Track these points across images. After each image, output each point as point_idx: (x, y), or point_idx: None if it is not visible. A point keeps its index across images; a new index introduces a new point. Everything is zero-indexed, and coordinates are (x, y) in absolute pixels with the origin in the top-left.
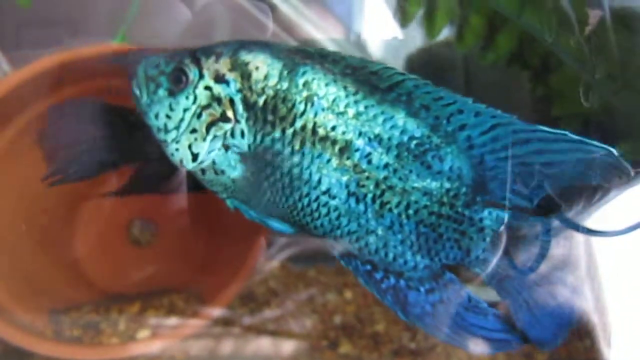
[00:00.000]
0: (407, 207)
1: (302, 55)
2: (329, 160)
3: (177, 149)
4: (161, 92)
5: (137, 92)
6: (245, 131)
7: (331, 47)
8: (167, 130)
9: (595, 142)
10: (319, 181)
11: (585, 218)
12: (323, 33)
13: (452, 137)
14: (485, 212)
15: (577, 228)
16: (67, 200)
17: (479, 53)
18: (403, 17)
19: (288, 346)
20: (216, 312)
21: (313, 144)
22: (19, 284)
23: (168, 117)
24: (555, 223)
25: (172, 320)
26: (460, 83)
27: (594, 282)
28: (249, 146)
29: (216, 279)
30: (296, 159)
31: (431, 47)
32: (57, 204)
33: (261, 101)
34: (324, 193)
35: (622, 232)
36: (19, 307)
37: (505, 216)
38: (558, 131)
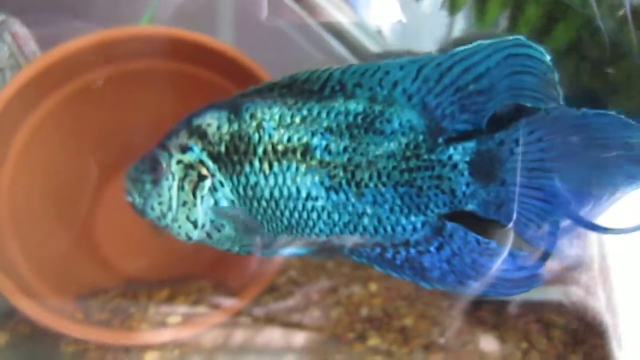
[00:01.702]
0: (379, 175)
1: (240, 96)
2: (297, 168)
3: (179, 226)
4: (147, 187)
5: (131, 200)
6: (222, 180)
7: (355, 31)
8: (164, 215)
9: (506, 37)
10: (298, 190)
11: (596, 216)
12: (347, 17)
13: (390, 97)
14: (451, 149)
15: (588, 226)
16: (92, 184)
17: None
18: (452, 5)
19: (314, 337)
20: (245, 301)
21: (278, 161)
22: (46, 267)
23: (160, 203)
24: (564, 223)
25: (202, 308)
26: None
27: (606, 283)
28: (231, 191)
29: (244, 267)
30: (271, 180)
31: (467, 37)
32: (82, 188)
33: (222, 148)
34: (306, 199)
35: (632, 229)
36: (48, 290)
37: (472, 144)
38: (473, 45)
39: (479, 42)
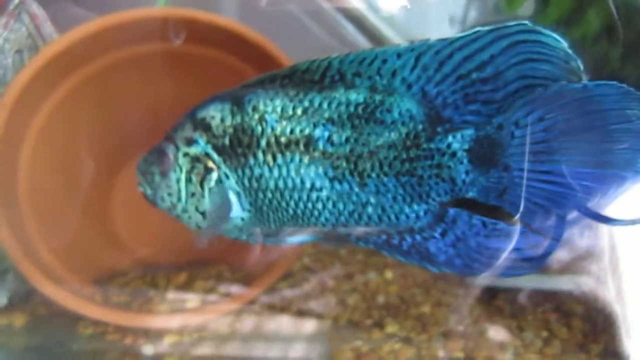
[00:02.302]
0: (381, 165)
1: (243, 88)
2: (300, 160)
3: (189, 217)
4: (157, 179)
5: (143, 190)
6: (228, 172)
7: (371, 17)
8: (174, 206)
9: (510, 22)
10: (302, 181)
11: (603, 207)
12: (364, 2)
13: (390, 86)
14: (450, 138)
15: (596, 217)
16: (110, 166)
17: (564, 28)
18: None
19: (331, 324)
20: (263, 287)
21: (282, 153)
22: (64, 248)
23: (170, 194)
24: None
25: (220, 293)
26: None
27: (616, 273)
28: (237, 183)
29: (262, 253)
30: (275, 172)
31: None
32: (100, 170)
33: (227, 141)
34: (311, 190)
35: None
36: (66, 272)
37: (471, 132)
38: (471, 31)
39: (477, 28)
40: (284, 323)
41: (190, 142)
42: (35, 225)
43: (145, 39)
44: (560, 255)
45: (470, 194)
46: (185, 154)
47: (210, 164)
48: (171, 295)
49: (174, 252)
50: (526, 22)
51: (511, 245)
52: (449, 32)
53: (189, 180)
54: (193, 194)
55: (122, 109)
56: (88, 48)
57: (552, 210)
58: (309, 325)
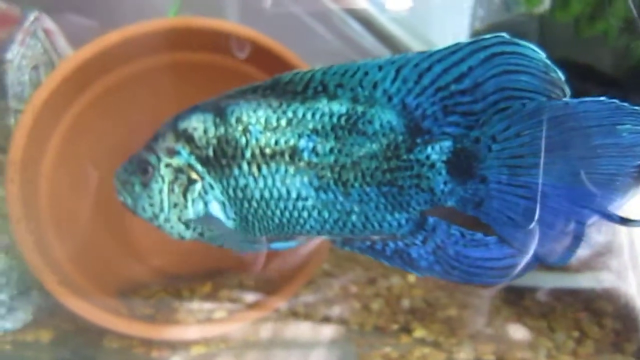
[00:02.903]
0: (363, 176)
1: (225, 98)
2: (286, 170)
3: (171, 227)
4: (137, 188)
5: (123, 199)
6: (212, 182)
7: (381, 17)
8: (156, 216)
9: (488, 35)
10: (288, 191)
11: (619, 208)
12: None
13: (371, 98)
14: (429, 149)
15: (612, 218)
16: None
17: (586, 22)
18: None
19: (357, 329)
20: (288, 294)
21: (267, 164)
22: (87, 262)
23: (151, 205)
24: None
25: (245, 302)
26: None
27: (637, 269)
28: (222, 193)
29: (284, 261)
30: (261, 183)
31: (503, 23)
32: None
33: (210, 152)
34: (297, 199)
35: None
36: (90, 286)
37: (449, 143)
38: (451, 44)
39: (457, 41)
40: (309, 330)
41: (173, 153)
42: (57, 239)
43: (162, 50)
44: (579, 251)
45: (449, 204)
46: (168, 165)
47: (194, 175)
48: (196, 305)
49: (194, 262)
50: (503, 34)
51: (487, 253)
52: (456, 31)
53: (171, 190)
54: (176, 205)
55: (139, 120)
56: (104, 61)
57: (523, 224)
58: (335, 332)
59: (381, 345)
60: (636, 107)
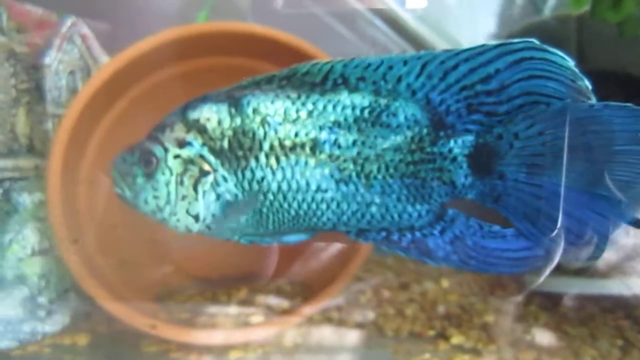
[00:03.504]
0: (387, 168)
1: (238, 89)
2: (306, 163)
3: (178, 220)
4: (139, 180)
5: (120, 192)
6: (226, 175)
7: (405, 17)
8: (161, 209)
9: (517, 39)
10: (307, 183)
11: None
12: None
13: (395, 92)
14: (452, 143)
15: (624, 221)
16: None
17: (635, 23)
18: None
19: (393, 335)
20: (326, 300)
21: (286, 156)
22: (126, 267)
23: (156, 197)
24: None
25: (281, 307)
26: None
27: None
28: (236, 185)
29: (322, 266)
30: (279, 175)
31: (540, 24)
32: None
33: (225, 144)
34: (316, 192)
35: None
36: (128, 290)
37: (471, 138)
38: (478, 45)
39: (484, 43)
40: (344, 335)
41: (183, 144)
42: (96, 243)
43: (196, 55)
44: (608, 256)
45: (469, 197)
46: (177, 156)
47: (206, 167)
48: (233, 310)
49: (229, 266)
50: (533, 39)
51: (504, 244)
52: (483, 30)
53: (180, 182)
54: (184, 197)
55: None
56: (139, 68)
57: (539, 221)
58: (371, 338)
59: (419, 352)
60: None
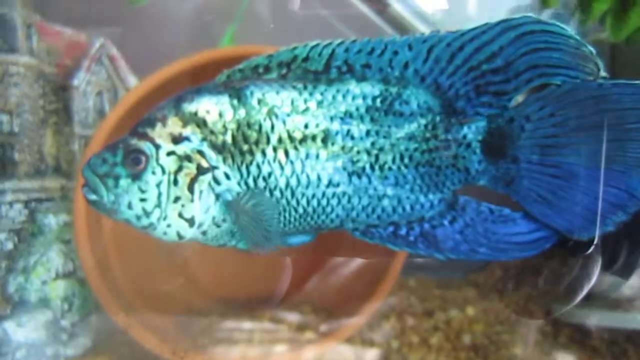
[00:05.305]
0: (402, 157)
1: (237, 79)
2: (317, 155)
3: (168, 225)
4: (123, 182)
5: (94, 197)
6: (228, 172)
7: (418, 20)
8: (148, 213)
9: (516, 15)
10: (319, 178)
11: None
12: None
13: (403, 79)
14: (465, 129)
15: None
16: None
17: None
18: (585, 13)
19: None
20: (354, 326)
21: (296, 148)
22: (149, 289)
23: (143, 200)
24: None
25: (307, 329)
26: None
27: None
28: (239, 183)
29: (347, 292)
30: (287, 170)
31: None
32: None
33: (228, 138)
34: (328, 186)
35: None
36: (151, 313)
37: (484, 123)
38: (481, 24)
39: (487, 21)
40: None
41: (179, 139)
42: (120, 264)
43: None
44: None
45: (482, 182)
46: (170, 153)
47: (205, 164)
48: (258, 334)
49: (251, 287)
50: (530, 14)
51: (514, 227)
52: None
53: (173, 182)
54: (177, 198)
55: None
56: (167, 92)
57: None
58: None
59: None
60: None
